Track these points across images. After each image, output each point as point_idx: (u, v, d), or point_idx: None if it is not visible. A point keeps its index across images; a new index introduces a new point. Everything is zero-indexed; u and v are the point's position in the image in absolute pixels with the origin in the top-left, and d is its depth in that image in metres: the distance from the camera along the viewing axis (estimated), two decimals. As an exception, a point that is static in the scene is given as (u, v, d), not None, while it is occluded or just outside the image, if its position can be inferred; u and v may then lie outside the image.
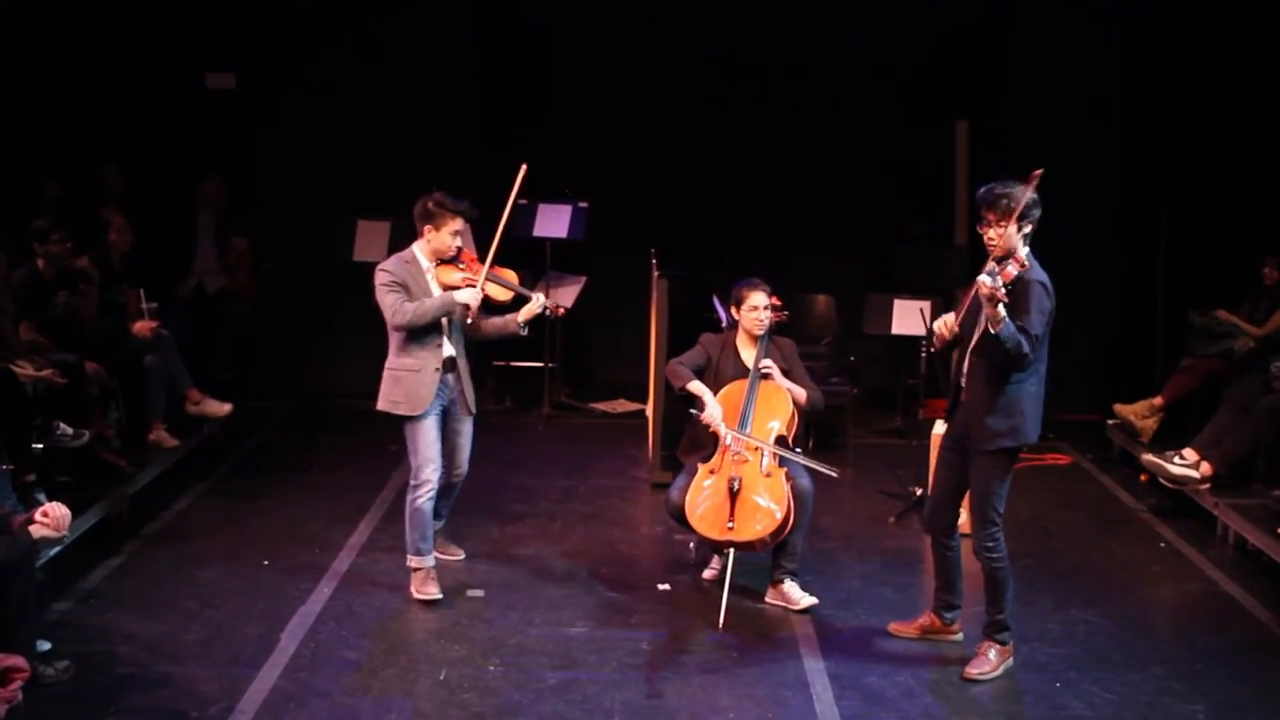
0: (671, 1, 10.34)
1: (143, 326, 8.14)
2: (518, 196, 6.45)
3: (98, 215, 8.69)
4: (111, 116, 9.93)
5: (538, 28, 10.54)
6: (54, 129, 9.78)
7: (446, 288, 6.26)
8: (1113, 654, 5.81)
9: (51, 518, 5.18)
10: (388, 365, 6.30)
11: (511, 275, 6.45)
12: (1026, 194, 5.24)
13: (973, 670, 5.54)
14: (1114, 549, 7.30)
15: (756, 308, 6.44)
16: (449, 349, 6.27)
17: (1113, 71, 10.08)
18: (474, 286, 6.24)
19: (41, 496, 6.09)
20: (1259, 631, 6.15)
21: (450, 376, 6.30)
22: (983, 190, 5.39)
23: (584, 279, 9.77)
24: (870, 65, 10.31)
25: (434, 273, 6.28)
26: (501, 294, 6.36)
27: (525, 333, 6.48)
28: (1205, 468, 7.52)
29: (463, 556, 6.82)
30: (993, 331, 5.18)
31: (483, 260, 6.34)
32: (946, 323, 5.47)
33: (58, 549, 6.21)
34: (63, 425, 6.99)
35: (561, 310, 6.36)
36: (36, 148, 9.63)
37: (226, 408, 8.63)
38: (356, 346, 9.82)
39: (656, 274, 8.33)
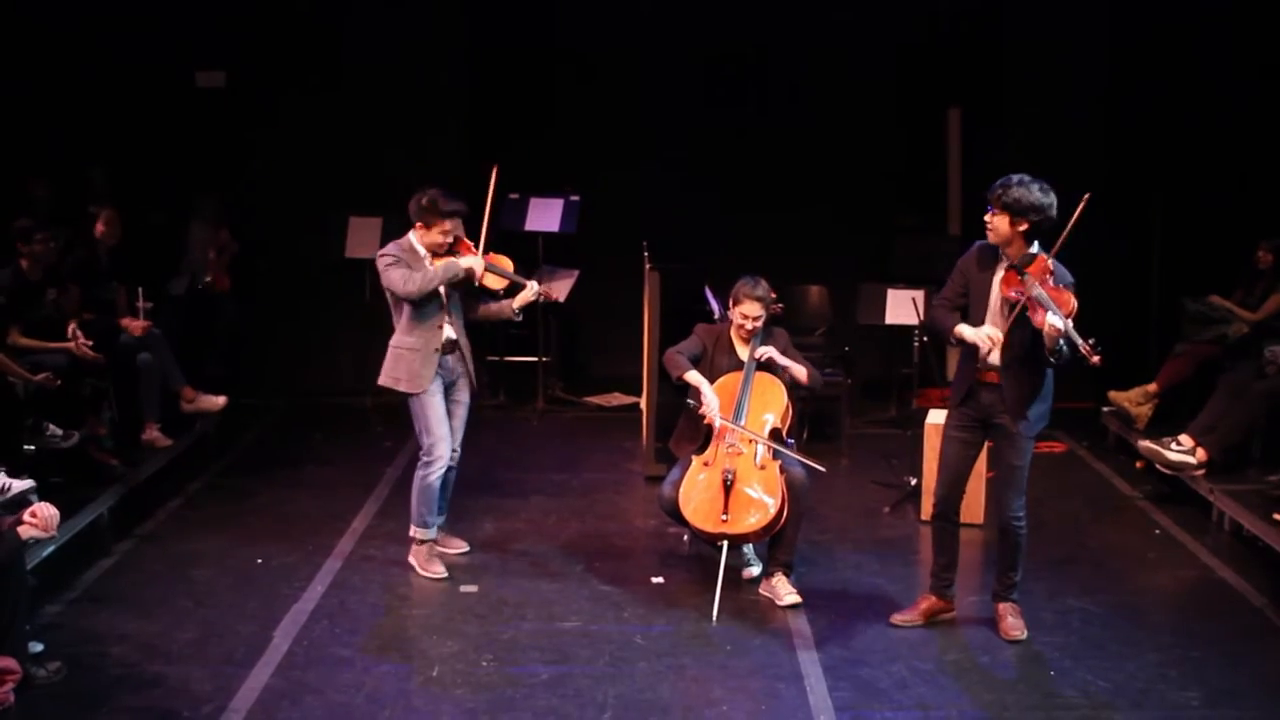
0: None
1: (132, 324, 8.11)
2: (495, 199, 6.62)
3: (86, 214, 8.64)
4: (101, 115, 9.89)
5: (533, 21, 10.49)
6: (42, 128, 9.74)
7: None
8: (1108, 641, 5.81)
9: (40, 518, 5.18)
10: (392, 343, 6.46)
11: (507, 262, 6.63)
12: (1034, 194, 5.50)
13: (1015, 632, 5.79)
14: (1109, 536, 7.29)
15: (747, 317, 6.40)
16: (449, 332, 6.41)
17: (1105, 57, 10.05)
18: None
19: (33, 497, 6.06)
20: (1255, 618, 6.14)
21: (450, 358, 6.44)
22: (1001, 179, 5.62)
23: (576, 273, 9.72)
24: (864, 55, 10.27)
25: (429, 262, 6.38)
26: (497, 282, 6.54)
27: (520, 318, 6.63)
28: (1201, 453, 7.50)
29: (466, 549, 6.85)
30: (1054, 361, 5.53)
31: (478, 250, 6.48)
32: (994, 338, 5.61)
33: (50, 549, 6.19)
34: (52, 426, 6.98)
35: (555, 296, 6.51)
36: (25, 147, 9.59)
37: (221, 400, 8.61)
38: (349, 344, 9.83)
39: (649, 267, 8.31)
